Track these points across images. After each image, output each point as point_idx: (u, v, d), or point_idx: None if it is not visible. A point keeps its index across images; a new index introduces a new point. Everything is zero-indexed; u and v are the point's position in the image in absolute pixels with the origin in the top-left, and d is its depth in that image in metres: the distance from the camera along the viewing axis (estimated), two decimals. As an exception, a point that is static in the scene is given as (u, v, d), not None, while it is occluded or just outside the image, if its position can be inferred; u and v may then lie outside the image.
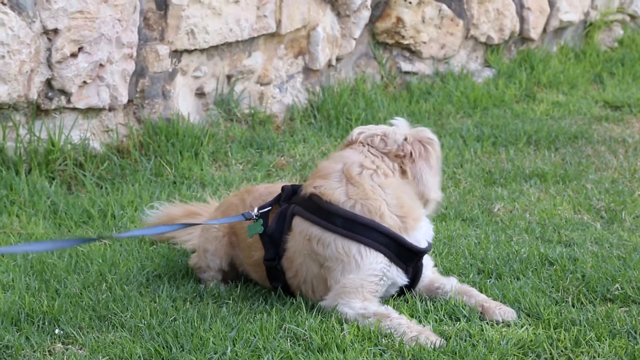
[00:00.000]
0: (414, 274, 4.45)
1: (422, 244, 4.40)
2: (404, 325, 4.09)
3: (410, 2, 8.50)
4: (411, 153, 4.47)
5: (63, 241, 4.47)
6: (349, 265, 4.30)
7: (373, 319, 4.15)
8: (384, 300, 4.41)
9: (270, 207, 4.53)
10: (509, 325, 4.23)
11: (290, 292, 4.55)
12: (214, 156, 6.81)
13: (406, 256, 4.37)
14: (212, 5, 6.97)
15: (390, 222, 4.34)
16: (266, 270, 4.53)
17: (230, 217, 4.61)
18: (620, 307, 4.42)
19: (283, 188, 4.56)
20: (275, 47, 7.58)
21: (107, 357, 3.99)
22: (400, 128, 4.53)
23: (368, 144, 4.47)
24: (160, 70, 6.75)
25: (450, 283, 4.50)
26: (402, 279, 4.40)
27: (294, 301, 4.45)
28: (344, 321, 4.22)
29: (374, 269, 4.30)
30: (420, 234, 4.41)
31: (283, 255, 4.47)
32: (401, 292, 4.49)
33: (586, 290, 4.56)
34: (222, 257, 4.76)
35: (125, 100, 6.54)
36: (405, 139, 4.48)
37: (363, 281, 4.28)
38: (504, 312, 4.30)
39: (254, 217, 4.50)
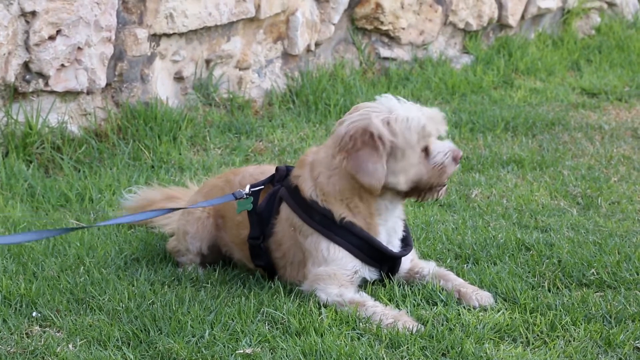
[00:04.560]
0: (391, 268, 4.47)
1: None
2: (378, 314, 4.10)
3: (389, -12, 8.50)
4: None
5: (45, 231, 4.41)
6: (316, 259, 4.34)
7: (348, 308, 4.17)
8: (362, 284, 4.42)
9: (262, 186, 4.53)
10: (485, 310, 4.26)
11: (271, 271, 4.56)
12: (192, 140, 6.80)
13: (380, 259, 4.40)
14: (191, -11, 6.95)
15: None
16: (249, 249, 4.54)
17: (218, 198, 4.60)
18: (595, 292, 4.45)
19: (277, 169, 4.57)
20: (254, 32, 7.57)
21: (84, 340, 3.99)
22: None
23: None
24: (138, 54, 6.73)
25: (429, 267, 4.52)
26: (375, 274, 4.43)
27: (272, 285, 4.46)
28: (321, 306, 4.24)
29: (344, 265, 4.32)
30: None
31: (270, 237, 4.48)
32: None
33: (562, 275, 4.60)
34: (203, 240, 4.74)
35: (103, 83, 6.52)
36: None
37: (335, 272, 4.31)
38: (480, 296, 4.31)
39: (245, 195, 4.51)
